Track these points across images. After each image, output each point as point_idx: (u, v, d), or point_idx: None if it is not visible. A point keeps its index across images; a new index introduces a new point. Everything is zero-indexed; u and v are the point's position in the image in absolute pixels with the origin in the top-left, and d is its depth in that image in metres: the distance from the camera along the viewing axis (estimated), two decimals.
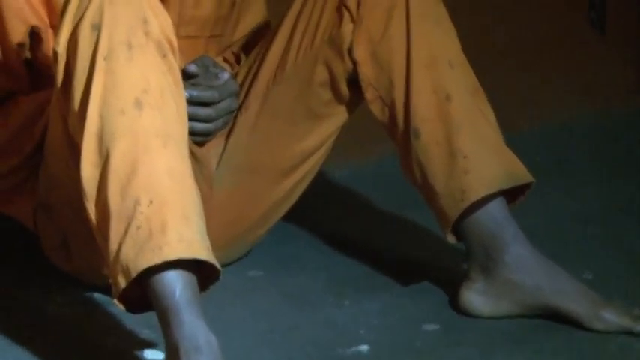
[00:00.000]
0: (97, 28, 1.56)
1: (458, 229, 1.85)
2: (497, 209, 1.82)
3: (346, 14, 1.87)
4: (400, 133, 1.87)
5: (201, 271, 1.57)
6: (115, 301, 1.57)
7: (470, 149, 1.81)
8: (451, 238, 1.86)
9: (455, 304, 1.87)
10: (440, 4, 1.88)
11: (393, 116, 1.87)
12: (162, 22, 1.59)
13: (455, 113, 1.82)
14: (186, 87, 1.72)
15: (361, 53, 1.87)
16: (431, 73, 1.83)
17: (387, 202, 2.33)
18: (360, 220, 2.28)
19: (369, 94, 1.88)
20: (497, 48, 2.95)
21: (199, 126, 1.85)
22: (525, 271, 1.81)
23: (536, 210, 2.13)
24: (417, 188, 1.88)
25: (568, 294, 1.79)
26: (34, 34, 1.84)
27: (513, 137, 2.01)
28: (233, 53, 2.09)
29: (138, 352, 1.71)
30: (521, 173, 1.85)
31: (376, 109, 1.89)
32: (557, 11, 3.06)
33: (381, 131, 1.92)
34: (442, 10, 1.88)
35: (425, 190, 1.86)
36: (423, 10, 1.85)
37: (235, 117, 1.95)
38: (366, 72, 1.87)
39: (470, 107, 1.83)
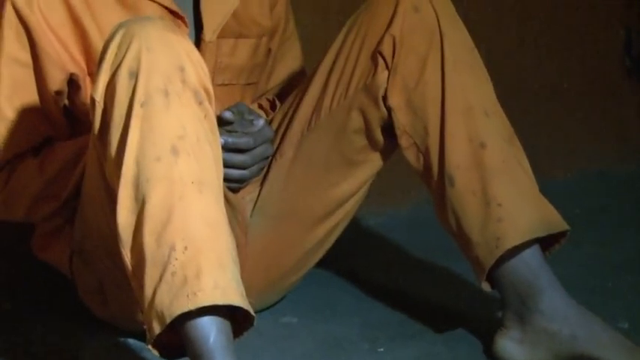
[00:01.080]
0: (135, 76, 1.57)
1: (493, 277, 1.84)
2: (532, 257, 1.81)
3: (381, 62, 1.88)
4: (435, 180, 1.87)
5: (235, 317, 1.57)
6: (150, 346, 1.57)
7: (505, 197, 1.81)
8: (486, 286, 1.85)
9: (490, 352, 1.86)
10: (474, 51, 1.88)
11: (427, 163, 1.87)
12: (198, 70, 1.60)
13: (489, 161, 1.82)
14: (221, 134, 1.73)
15: (396, 100, 1.87)
16: (465, 120, 1.83)
17: (422, 249, 2.32)
18: (395, 266, 2.28)
19: (403, 141, 1.89)
20: (533, 94, 2.94)
21: (234, 172, 1.86)
22: (561, 320, 1.79)
23: (571, 258, 2.12)
24: (452, 235, 1.88)
25: (604, 343, 1.77)
26: (72, 82, 1.86)
27: (549, 185, 2.00)
28: (268, 100, 2.11)
29: None
30: (556, 221, 1.84)
31: (411, 156, 1.89)
32: (594, 58, 3.06)
33: (416, 178, 1.92)
34: (477, 57, 1.88)
35: (459, 237, 1.86)
36: (458, 57, 1.85)
37: (270, 163, 1.96)
38: (401, 119, 1.88)
39: (504, 155, 1.83)
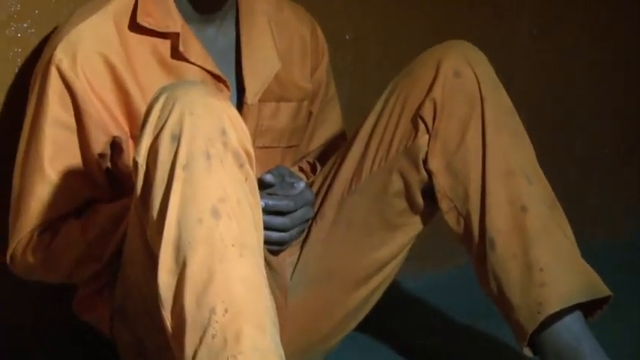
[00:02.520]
0: (177, 139, 1.58)
1: (534, 343, 1.82)
2: (574, 323, 1.80)
3: (421, 125, 1.89)
4: (475, 244, 1.86)
5: None
6: None
7: (546, 261, 1.80)
8: (527, 352, 1.84)
9: None
10: (515, 116, 1.88)
11: (468, 227, 1.87)
12: (240, 133, 1.61)
13: (531, 225, 1.81)
14: (262, 196, 1.74)
15: (436, 164, 1.88)
16: (506, 184, 1.83)
17: (462, 313, 2.31)
18: (435, 330, 2.26)
19: (444, 204, 1.89)
20: (575, 159, 2.94)
21: (275, 235, 1.86)
22: None
23: (613, 324, 2.10)
24: (493, 299, 1.87)
25: None
26: (115, 145, 1.87)
27: (591, 250, 1.99)
28: (309, 163, 2.11)
29: None
30: (598, 286, 1.82)
31: (451, 219, 1.89)
32: (633, 122, 3.06)
33: (456, 241, 1.92)
34: (518, 121, 1.88)
35: (501, 301, 1.85)
36: (499, 121, 1.85)
37: (310, 226, 1.96)
38: (441, 183, 1.88)
39: (546, 219, 1.82)
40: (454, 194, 1.87)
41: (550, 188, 1.87)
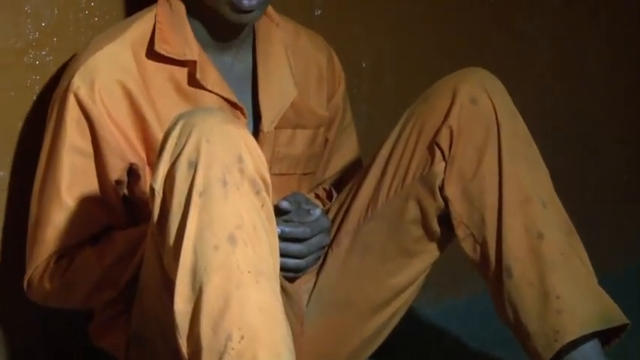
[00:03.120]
0: (194, 166, 1.58)
1: None
2: (591, 350, 1.79)
3: (438, 153, 1.89)
4: (492, 271, 1.86)
5: None
6: None
7: (563, 289, 1.79)
8: None
9: None
10: (532, 143, 1.88)
11: (484, 254, 1.86)
12: (256, 160, 1.62)
13: (547, 252, 1.81)
14: (278, 223, 1.74)
15: (453, 191, 1.88)
16: (523, 211, 1.83)
17: (478, 340, 2.30)
18: (452, 357, 2.26)
19: (460, 231, 1.88)
20: (591, 186, 2.93)
21: (291, 262, 1.86)
22: None
23: (631, 353, 2.09)
24: (509, 326, 1.86)
25: None
26: (132, 171, 1.88)
27: (608, 277, 1.98)
28: (325, 190, 2.12)
29: None
30: (615, 314, 1.82)
31: (467, 246, 1.88)
32: None
33: (472, 268, 1.91)
34: (534, 149, 1.88)
35: (517, 328, 1.84)
36: (515, 149, 1.85)
37: (326, 253, 1.96)
38: (458, 210, 1.88)
39: (562, 246, 1.82)
40: (470, 221, 1.87)
41: (566, 215, 1.86)
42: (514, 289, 1.83)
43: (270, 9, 1.99)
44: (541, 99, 2.84)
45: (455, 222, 1.88)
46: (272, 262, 1.61)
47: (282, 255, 1.76)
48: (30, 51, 2.00)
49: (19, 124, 2.01)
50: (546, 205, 1.84)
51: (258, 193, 1.61)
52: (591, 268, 1.85)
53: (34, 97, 2.01)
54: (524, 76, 2.81)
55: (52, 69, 2.02)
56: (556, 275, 1.80)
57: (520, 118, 1.89)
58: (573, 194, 1.99)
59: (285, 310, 1.61)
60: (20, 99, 2.00)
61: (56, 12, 2.01)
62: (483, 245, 1.86)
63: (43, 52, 2.01)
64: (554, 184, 1.87)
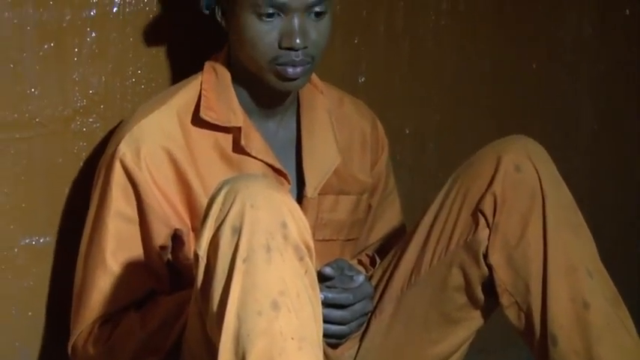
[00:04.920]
0: (238, 232, 1.59)
1: None
2: None
3: (482, 220, 1.88)
4: (537, 340, 1.84)
5: None
6: None
7: (609, 358, 1.77)
8: None
9: None
10: (576, 211, 1.87)
11: (529, 322, 1.85)
12: (300, 226, 1.62)
13: (593, 321, 1.79)
14: (322, 289, 1.74)
15: (497, 258, 1.87)
16: (568, 280, 1.82)
17: None
18: None
19: (504, 299, 1.87)
20: (636, 255, 2.91)
21: (334, 328, 1.86)
22: None
23: None
24: None
25: None
26: (176, 237, 1.89)
27: None
28: (368, 256, 2.11)
29: None
30: None
31: (512, 314, 1.87)
32: None
33: (516, 336, 1.90)
34: (579, 217, 1.87)
35: None
36: (560, 217, 1.84)
37: (369, 320, 1.95)
38: (502, 277, 1.87)
39: (608, 315, 1.80)
40: (515, 289, 1.86)
41: (612, 284, 1.85)
42: (559, 358, 1.81)
43: (314, 76, 2.00)
44: (586, 167, 2.83)
45: (499, 289, 1.87)
46: (315, 328, 1.61)
47: (326, 321, 1.75)
48: (77, 118, 2.02)
49: (66, 190, 2.03)
50: (592, 274, 1.82)
51: (301, 259, 1.61)
52: (637, 338, 1.82)
53: (81, 164, 2.04)
54: (568, 143, 2.80)
55: (99, 136, 2.04)
56: (602, 345, 1.78)
57: (564, 185, 1.88)
58: (619, 263, 1.97)
59: None
60: (67, 165, 2.03)
61: (103, 80, 2.04)
62: (528, 313, 1.85)
63: (90, 119, 2.04)
64: (599, 253, 1.85)
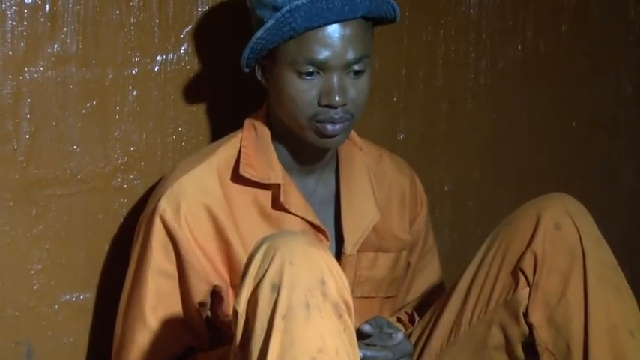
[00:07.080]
0: (277, 288, 1.59)
1: None
2: None
3: (522, 278, 1.87)
4: None
5: None
6: None
7: None
8: None
9: None
10: (617, 270, 1.86)
11: None
12: (339, 283, 1.62)
13: None
14: (360, 347, 1.73)
15: (537, 317, 1.85)
16: (610, 340, 1.80)
17: None
18: None
19: (545, 358, 1.85)
20: None
21: None
22: None
23: None
24: None
25: None
26: (216, 293, 1.89)
27: None
28: (407, 313, 2.10)
29: None
30: None
31: None
32: None
33: None
34: (620, 276, 1.86)
35: None
36: (601, 275, 1.83)
37: None
38: (543, 336, 1.85)
39: None
40: (556, 348, 1.84)
41: None
42: None
43: (353, 133, 2.01)
44: (626, 225, 2.81)
45: (540, 348, 1.85)
46: None
47: None
48: (118, 175, 2.04)
49: (106, 247, 2.05)
50: (634, 334, 1.81)
51: (340, 316, 1.61)
52: None
53: (121, 220, 2.05)
54: (608, 201, 2.79)
55: (140, 192, 2.06)
56: None
57: (605, 243, 1.87)
58: None
59: None
60: (108, 222, 2.04)
61: (144, 137, 2.06)
62: None
63: (131, 176, 2.05)
64: None
